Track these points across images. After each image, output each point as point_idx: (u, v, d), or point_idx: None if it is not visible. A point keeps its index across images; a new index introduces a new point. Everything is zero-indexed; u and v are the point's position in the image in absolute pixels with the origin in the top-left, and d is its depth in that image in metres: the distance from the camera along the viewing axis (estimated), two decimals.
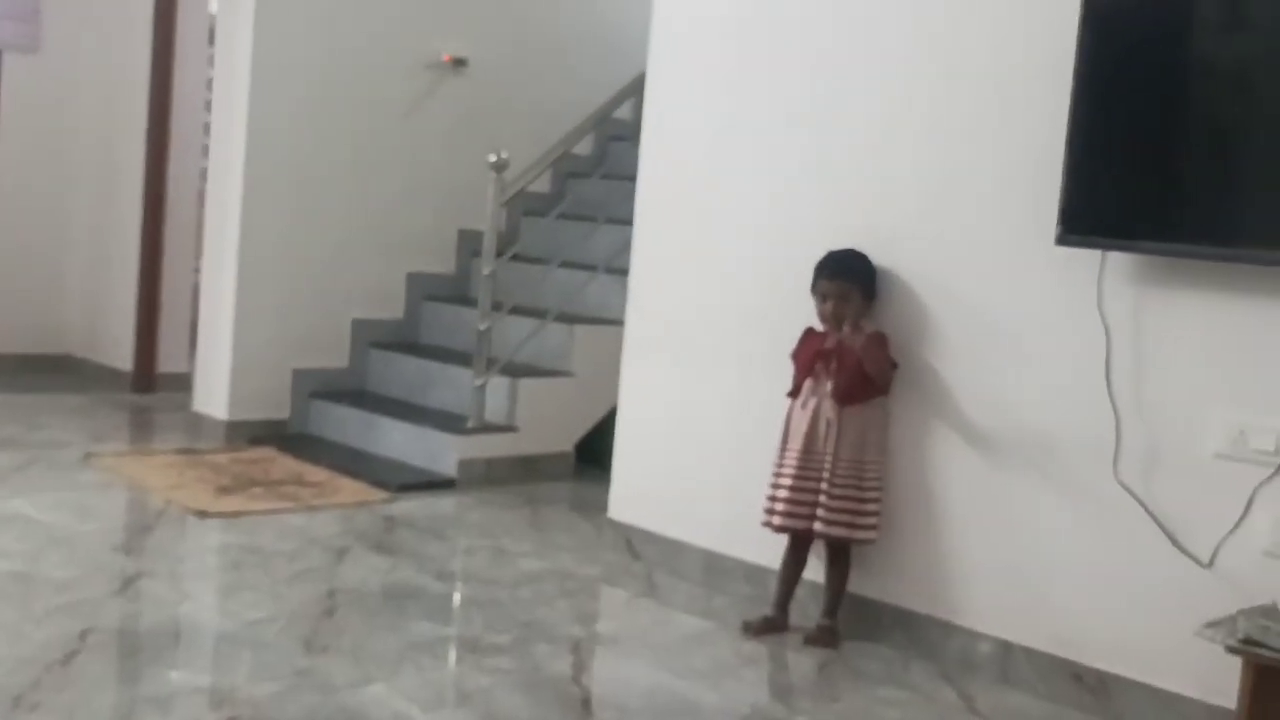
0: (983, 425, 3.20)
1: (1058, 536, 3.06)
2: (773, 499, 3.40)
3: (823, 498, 3.32)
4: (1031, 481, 3.11)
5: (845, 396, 3.32)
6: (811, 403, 3.37)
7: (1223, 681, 2.61)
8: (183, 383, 5.97)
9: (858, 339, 3.32)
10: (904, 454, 3.36)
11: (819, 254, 3.46)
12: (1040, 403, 3.09)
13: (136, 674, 2.88)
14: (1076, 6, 2.89)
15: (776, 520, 3.39)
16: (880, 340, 3.34)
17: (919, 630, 3.30)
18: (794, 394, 3.42)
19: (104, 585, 3.36)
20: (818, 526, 3.33)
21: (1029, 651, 3.09)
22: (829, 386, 3.34)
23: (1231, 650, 2.49)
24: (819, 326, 3.40)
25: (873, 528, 3.34)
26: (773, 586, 3.47)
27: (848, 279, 3.33)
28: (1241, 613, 2.58)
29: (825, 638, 3.31)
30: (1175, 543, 2.85)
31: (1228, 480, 2.78)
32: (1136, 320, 2.93)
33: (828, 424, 3.33)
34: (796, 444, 3.37)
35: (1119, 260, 2.93)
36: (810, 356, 3.39)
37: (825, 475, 3.32)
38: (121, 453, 4.96)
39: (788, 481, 3.37)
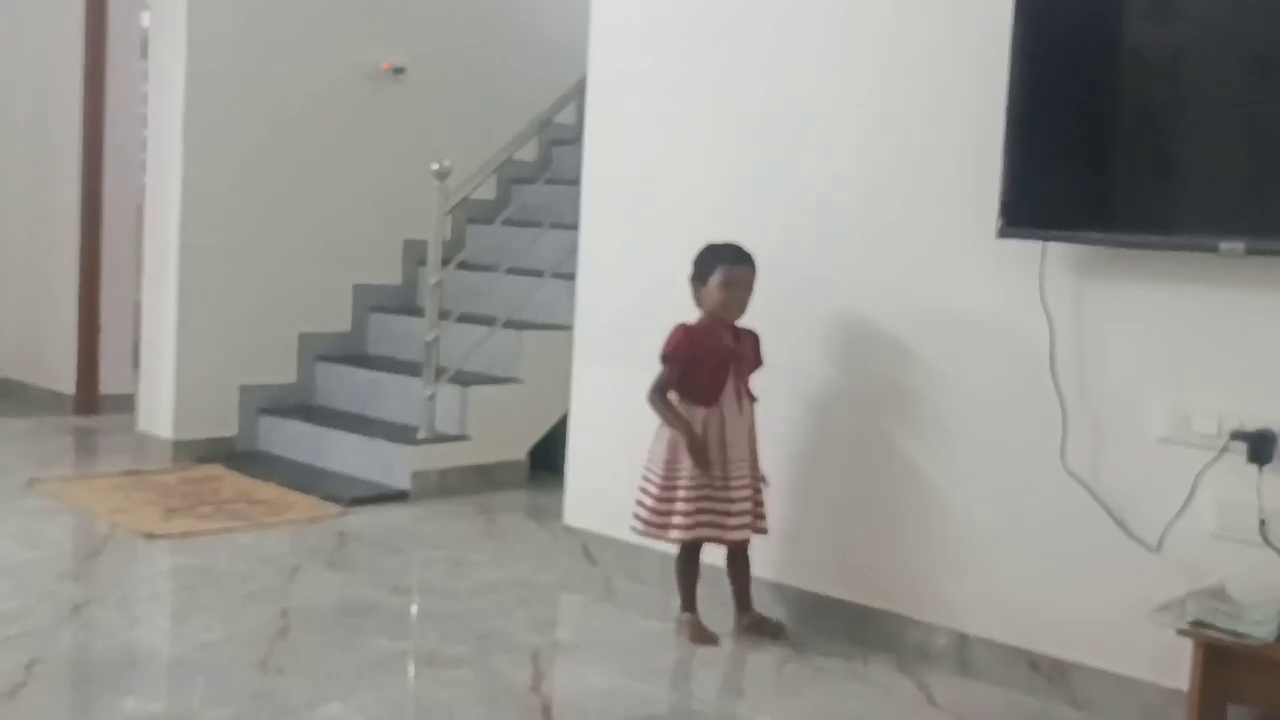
0: (930, 418, 3.23)
1: (1008, 526, 3.09)
2: (726, 513, 3.29)
3: (755, 500, 3.34)
4: (980, 472, 3.14)
5: (750, 396, 3.33)
6: (730, 406, 3.29)
7: (1175, 663, 2.65)
8: (126, 403, 5.87)
9: (743, 333, 3.33)
10: (852, 451, 3.38)
11: (768, 254, 3.47)
12: (986, 394, 3.12)
13: (88, 704, 2.83)
14: None
15: (735, 535, 3.32)
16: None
17: (876, 625, 3.32)
18: (710, 401, 3.28)
19: (51, 614, 3.29)
20: (759, 525, 3.36)
21: (985, 642, 3.12)
22: (737, 387, 3.29)
23: (1182, 632, 2.53)
24: (692, 320, 3.33)
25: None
26: (725, 586, 3.47)
27: (750, 264, 3.29)
28: (1190, 595, 2.62)
29: (774, 624, 3.37)
30: (1124, 528, 2.88)
31: (1172, 464, 2.82)
32: (1078, 310, 2.97)
33: (738, 425, 3.29)
34: (738, 451, 3.29)
35: (1060, 251, 2.96)
36: (722, 357, 3.28)
37: (750, 478, 3.32)
38: (66, 477, 4.88)
39: (745, 492, 3.30)
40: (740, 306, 3.27)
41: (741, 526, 3.31)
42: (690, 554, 3.37)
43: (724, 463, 3.27)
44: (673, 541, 3.33)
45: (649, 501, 3.30)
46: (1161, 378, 2.85)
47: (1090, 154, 2.91)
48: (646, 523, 3.30)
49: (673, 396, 3.29)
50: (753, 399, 3.35)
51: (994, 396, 3.11)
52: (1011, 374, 3.07)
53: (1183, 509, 2.80)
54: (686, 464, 3.25)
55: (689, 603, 3.37)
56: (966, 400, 3.16)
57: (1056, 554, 3.00)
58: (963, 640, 3.16)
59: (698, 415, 3.27)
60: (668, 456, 3.27)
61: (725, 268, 3.25)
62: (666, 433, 3.29)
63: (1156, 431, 2.85)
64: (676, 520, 3.26)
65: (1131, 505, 2.89)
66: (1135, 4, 2.86)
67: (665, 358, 3.26)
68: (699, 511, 3.26)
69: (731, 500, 3.29)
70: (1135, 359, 2.89)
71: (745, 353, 3.33)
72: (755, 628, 3.36)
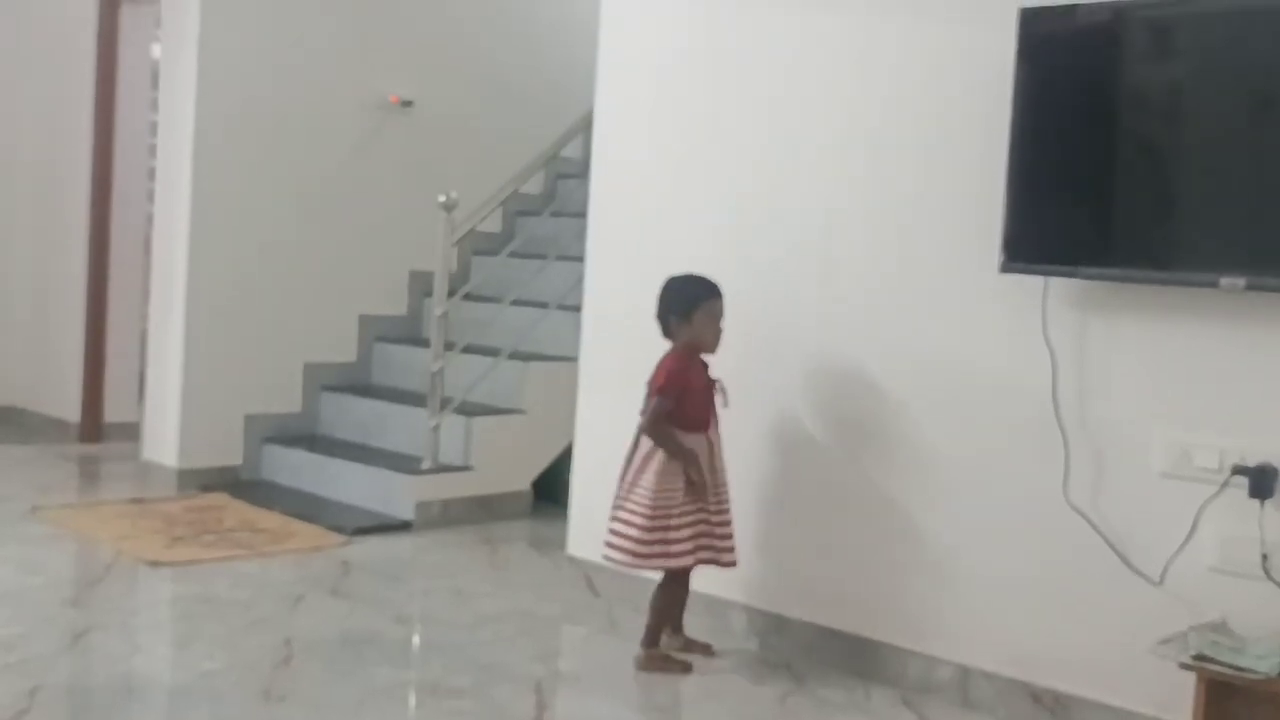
0: (932, 451, 3.24)
1: (1011, 559, 3.09)
2: (722, 536, 3.38)
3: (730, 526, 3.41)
4: (983, 505, 3.14)
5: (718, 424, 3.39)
6: (714, 433, 3.38)
7: (1177, 697, 2.64)
8: (131, 432, 5.89)
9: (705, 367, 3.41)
10: (854, 483, 3.39)
11: (773, 288, 3.49)
12: (988, 428, 3.13)
13: None
14: (1013, 39, 2.96)
15: (729, 557, 3.40)
16: None
17: (878, 658, 3.32)
18: (702, 429, 3.36)
19: (53, 641, 3.30)
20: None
21: (987, 674, 3.12)
22: (716, 414, 3.39)
23: (1185, 666, 2.53)
24: (668, 349, 3.38)
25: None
26: (734, 618, 3.47)
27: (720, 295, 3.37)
28: (1192, 629, 2.63)
29: (702, 645, 3.45)
30: (1126, 562, 2.89)
31: (1174, 499, 2.82)
32: (1080, 344, 2.98)
33: (719, 451, 3.39)
34: (723, 476, 3.40)
35: (1061, 286, 2.98)
36: (707, 386, 3.37)
37: (729, 502, 3.41)
38: (69, 504, 4.89)
39: (729, 516, 3.41)
40: (714, 339, 3.35)
41: (733, 549, 3.39)
42: (680, 581, 3.41)
43: (715, 486, 3.35)
44: (673, 568, 3.33)
45: (634, 532, 3.27)
46: (1163, 412, 2.86)
47: (1092, 190, 2.94)
48: (635, 554, 3.29)
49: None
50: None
51: (996, 430, 3.12)
52: (1013, 408, 3.08)
53: (1185, 543, 2.81)
54: (680, 491, 3.26)
55: (655, 637, 3.38)
56: (969, 434, 3.17)
57: (1059, 587, 3.00)
58: (965, 673, 3.16)
59: (690, 443, 3.30)
60: (658, 485, 3.26)
61: (711, 301, 3.32)
62: (655, 462, 3.28)
63: (1158, 466, 2.86)
64: (677, 548, 3.27)
65: (1133, 539, 2.89)
66: (1135, 42, 2.90)
67: (661, 389, 3.27)
68: (698, 536, 3.30)
69: (724, 524, 3.38)
70: (1137, 393, 2.90)
71: (712, 382, 3.41)
72: (687, 649, 3.43)
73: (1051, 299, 3.00)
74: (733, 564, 3.40)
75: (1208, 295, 2.75)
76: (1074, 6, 2.91)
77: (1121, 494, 2.92)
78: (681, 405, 3.28)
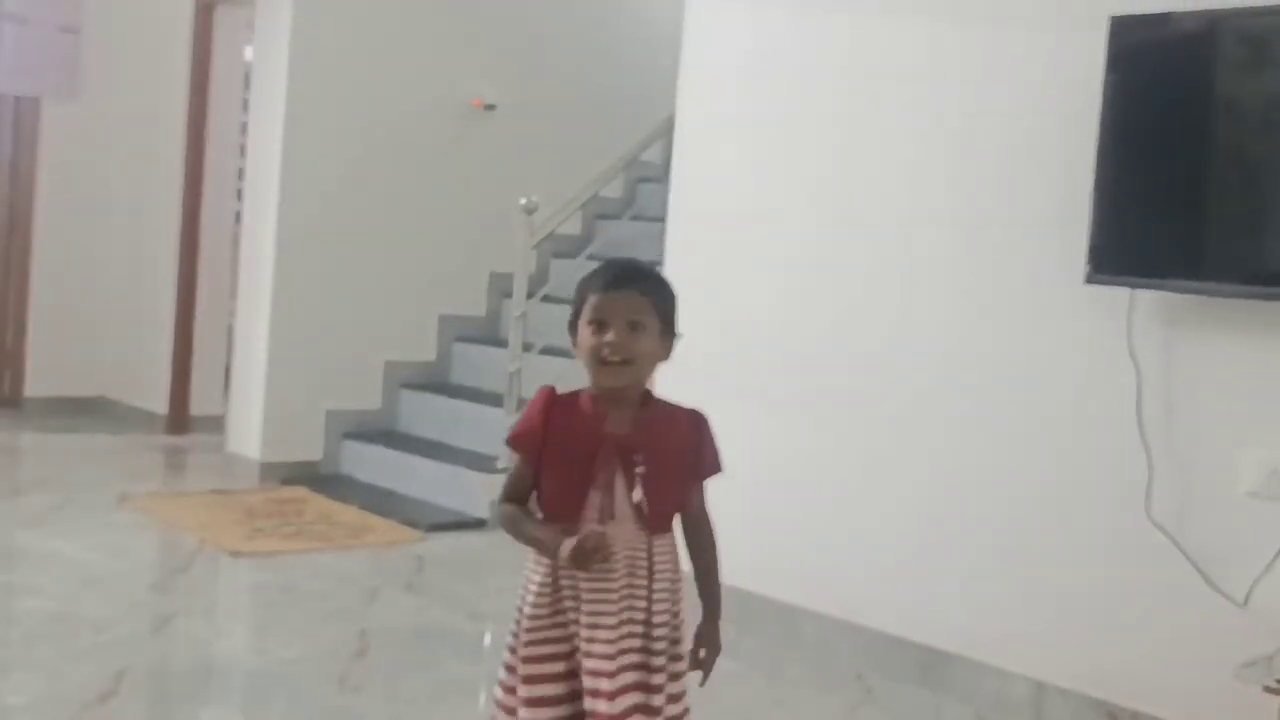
0: (1014, 465, 3.20)
1: (1091, 576, 3.04)
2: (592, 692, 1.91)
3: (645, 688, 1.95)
4: (1063, 521, 3.10)
5: (659, 524, 1.95)
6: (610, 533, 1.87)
7: None
8: (216, 424, 6.02)
9: (662, 416, 1.98)
10: (933, 493, 3.36)
11: (852, 291, 3.46)
12: (1071, 442, 3.09)
13: (171, 713, 2.90)
14: (1103, 47, 2.92)
15: None
16: (713, 430, 2.03)
17: (951, 671, 3.28)
18: (567, 519, 1.91)
19: (140, 625, 3.39)
20: None
21: (1063, 692, 3.07)
22: (626, 501, 1.91)
23: (1269, 690, 2.47)
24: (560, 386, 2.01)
25: None
26: (803, 625, 3.44)
27: (646, 290, 1.94)
28: (1278, 652, 2.56)
29: None
30: (1209, 582, 2.83)
31: (1261, 519, 2.76)
32: (1167, 358, 2.93)
33: (630, 572, 1.92)
34: (613, 612, 1.92)
35: (1148, 299, 2.93)
36: (590, 450, 1.91)
37: (644, 655, 1.95)
38: (156, 493, 5.01)
39: (627, 678, 1.93)
40: (623, 359, 1.89)
41: None
42: None
43: (619, 613, 1.90)
44: None
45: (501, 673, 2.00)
46: (1251, 430, 2.80)
47: (1182, 201, 2.89)
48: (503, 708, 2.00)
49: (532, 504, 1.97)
50: (697, 523, 2.06)
51: (1078, 444, 3.07)
52: (1096, 422, 3.04)
53: (1271, 565, 2.74)
54: (529, 604, 1.96)
55: None
56: (1051, 448, 3.13)
57: (1139, 605, 2.95)
58: (1040, 689, 3.11)
59: (561, 532, 1.90)
60: (522, 599, 1.99)
61: (595, 296, 1.92)
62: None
63: (1245, 485, 2.80)
64: (507, 701, 1.98)
65: (1217, 558, 2.83)
66: (1229, 52, 2.84)
67: (510, 437, 2.01)
68: (548, 702, 1.93)
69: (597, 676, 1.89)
70: (1224, 410, 2.84)
71: (657, 448, 1.93)
72: None
73: (1137, 312, 2.95)
74: None
75: None
76: (1167, 15, 2.86)
77: (1206, 512, 2.86)
78: (547, 473, 1.94)
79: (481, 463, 5.00)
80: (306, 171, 5.38)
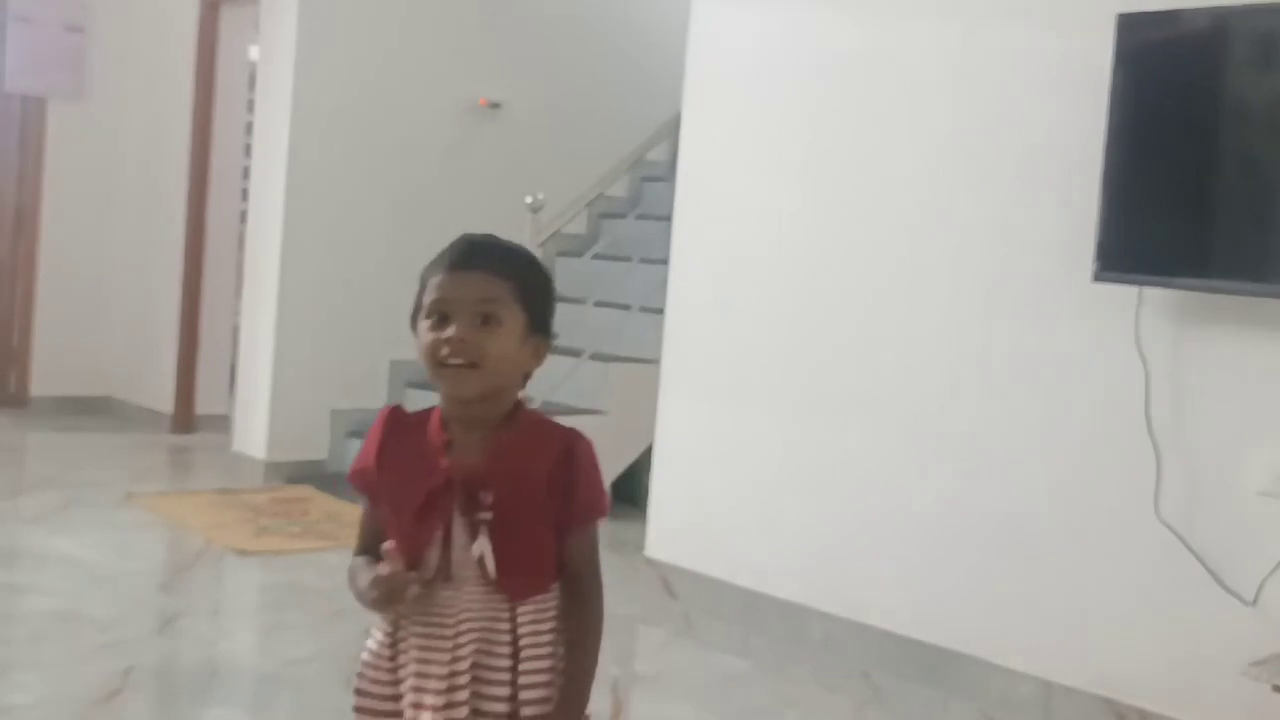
0: (1021, 464, 3.19)
1: (1099, 575, 3.03)
2: None
3: None
4: (1071, 519, 3.09)
5: (521, 586, 1.51)
6: (454, 590, 1.50)
7: None
8: (222, 423, 6.03)
9: (527, 441, 1.54)
10: (939, 492, 3.35)
11: (858, 290, 3.45)
12: (1080, 441, 3.08)
13: (177, 713, 2.90)
14: (1110, 45, 2.90)
15: None
16: (594, 459, 1.59)
17: (959, 671, 3.28)
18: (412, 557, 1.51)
19: (145, 624, 3.39)
20: None
21: (1070, 691, 3.06)
22: (474, 556, 1.49)
23: (1279, 689, 2.46)
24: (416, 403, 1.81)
25: None
26: (812, 625, 3.44)
27: (504, 272, 1.53)
28: None
29: None
30: (1218, 580, 2.82)
31: (1270, 518, 2.75)
32: (1175, 357, 2.92)
33: (470, 630, 1.50)
34: (448, 674, 1.50)
35: (1156, 297, 2.92)
36: (420, 484, 1.52)
37: None
38: (162, 492, 5.02)
39: None
40: (469, 361, 1.48)
41: None
42: None
43: (448, 694, 1.48)
44: None
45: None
46: (1261, 428, 2.79)
47: (1190, 199, 2.88)
48: None
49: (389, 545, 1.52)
50: (573, 583, 1.55)
51: (1087, 443, 3.06)
52: (1104, 420, 3.03)
53: None
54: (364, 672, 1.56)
55: None
56: (1059, 447, 3.12)
57: (1147, 604, 2.94)
58: (1048, 689, 3.10)
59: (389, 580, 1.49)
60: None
61: (436, 278, 1.56)
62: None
63: (1255, 484, 2.79)
64: None
65: (1227, 558, 2.82)
66: (1237, 50, 2.83)
67: (348, 479, 1.70)
68: None
69: None
70: (1234, 408, 2.83)
71: (513, 485, 1.51)
72: None
73: (1146, 310, 2.94)
74: None
75: None
76: (1175, 13, 2.86)
77: (1215, 511, 2.85)
78: (388, 520, 1.57)
79: None
80: (312, 171, 5.38)
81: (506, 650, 1.49)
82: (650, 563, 4.11)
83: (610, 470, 5.17)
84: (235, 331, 6.02)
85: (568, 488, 1.53)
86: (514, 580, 1.49)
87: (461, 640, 1.48)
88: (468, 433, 1.53)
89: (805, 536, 3.62)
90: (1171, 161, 2.87)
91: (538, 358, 1.56)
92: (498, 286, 1.51)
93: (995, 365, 3.25)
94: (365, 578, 1.49)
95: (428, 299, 1.54)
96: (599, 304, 5.42)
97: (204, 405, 6.37)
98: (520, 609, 1.50)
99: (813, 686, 3.29)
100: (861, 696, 3.23)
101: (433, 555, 1.50)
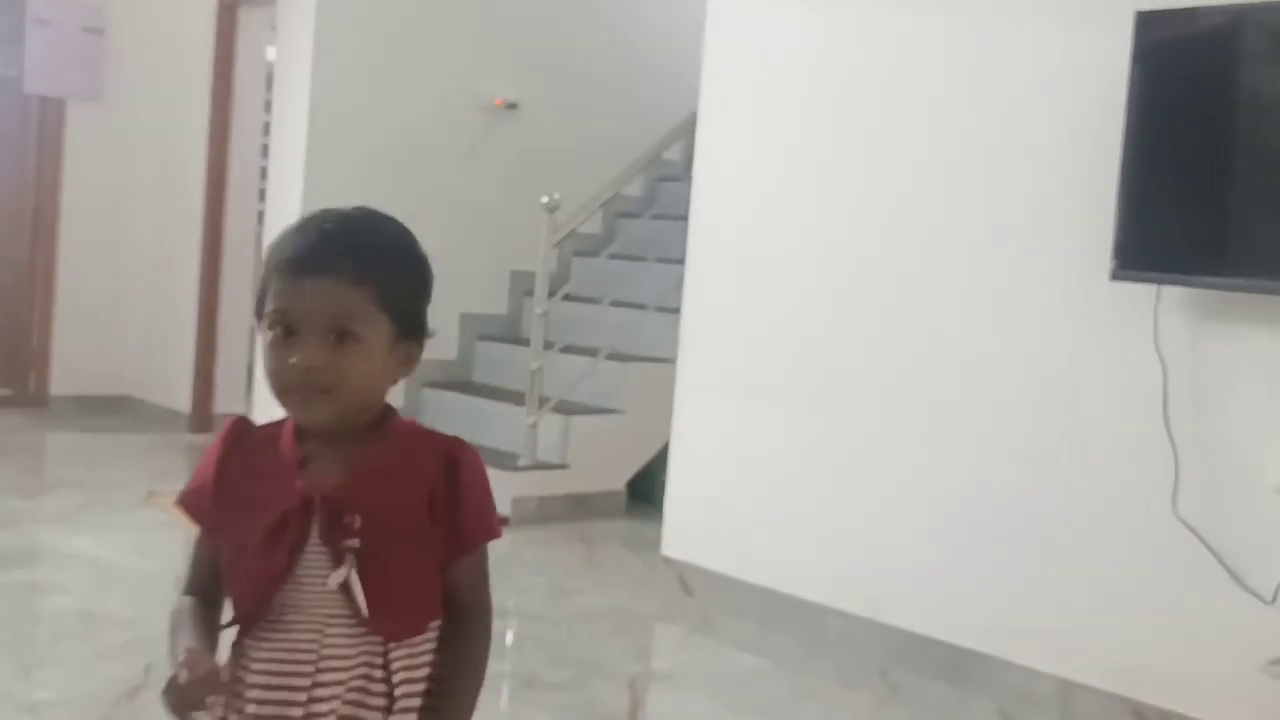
0: (1039, 462, 3.19)
1: (1117, 573, 3.03)
2: None
3: None
4: (1089, 516, 3.09)
5: (396, 625, 1.28)
6: (291, 624, 1.26)
7: None
8: None
9: (398, 454, 1.32)
10: (957, 489, 3.35)
11: (874, 289, 3.46)
12: (1097, 439, 3.08)
13: None
14: (1128, 43, 2.90)
15: None
16: (482, 471, 1.37)
17: (977, 668, 3.28)
18: (244, 618, 1.29)
19: (166, 622, 3.40)
20: None
21: (1088, 689, 3.06)
22: (342, 601, 1.25)
23: None
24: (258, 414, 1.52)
25: None
26: (829, 622, 3.45)
27: (362, 275, 1.29)
28: None
29: None
30: (1236, 578, 2.81)
31: None
32: (1193, 354, 2.92)
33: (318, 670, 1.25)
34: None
35: (1174, 294, 2.92)
36: (268, 510, 1.27)
37: None
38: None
39: None
40: (321, 388, 1.26)
41: None
42: None
43: None
44: None
45: None
46: (1278, 426, 2.78)
47: (1207, 197, 2.87)
48: None
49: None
50: (457, 612, 1.37)
51: (1105, 442, 3.06)
52: (1122, 418, 3.02)
53: None
54: None
55: None
56: (1077, 444, 3.12)
57: (1166, 602, 2.94)
58: (1066, 687, 3.10)
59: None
60: None
61: (278, 281, 1.29)
62: None
63: (1272, 481, 2.78)
64: None
65: (1245, 556, 2.81)
66: (1256, 47, 2.83)
67: (177, 503, 1.40)
68: None
69: None
70: (1252, 406, 2.83)
71: (384, 506, 1.28)
72: None
73: (1163, 308, 2.93)
74: None
75: None
76: (1193, 10, 2.85)
77: (1233, 509, 2.84)
78: (228, 551, 1.32)
79: (503, 461, 5.01)
80: (328, 171, 5.40)
81: (381, 702, 1.25)
82: (667, 561, 4.12)
83: (626, 469, 5.19)
84: (252, 331, 6.05)
85: (451, 508, 1.29)
86: (387, 618, 1.25)
87: (320, 694, 1.23)
88: (325, 448, 1.28)
89: (822, 535, 3.63)
90: (1189, 159, 2.87)
91: (410, 363, 1.31)
92: (354, 297, 1.23)
93: (1013, 365, 3.25)
94: (180, 642, 1.24)
95: (269, 305, 1.24)
96: (615, 304, 5.43)
97: (222, 404, 6.39)
98: (397, 653, 1.26)
99: (831, 684, 3.29)
100: (879, 694, 3.23)
101: (283, 595, 1.23)
